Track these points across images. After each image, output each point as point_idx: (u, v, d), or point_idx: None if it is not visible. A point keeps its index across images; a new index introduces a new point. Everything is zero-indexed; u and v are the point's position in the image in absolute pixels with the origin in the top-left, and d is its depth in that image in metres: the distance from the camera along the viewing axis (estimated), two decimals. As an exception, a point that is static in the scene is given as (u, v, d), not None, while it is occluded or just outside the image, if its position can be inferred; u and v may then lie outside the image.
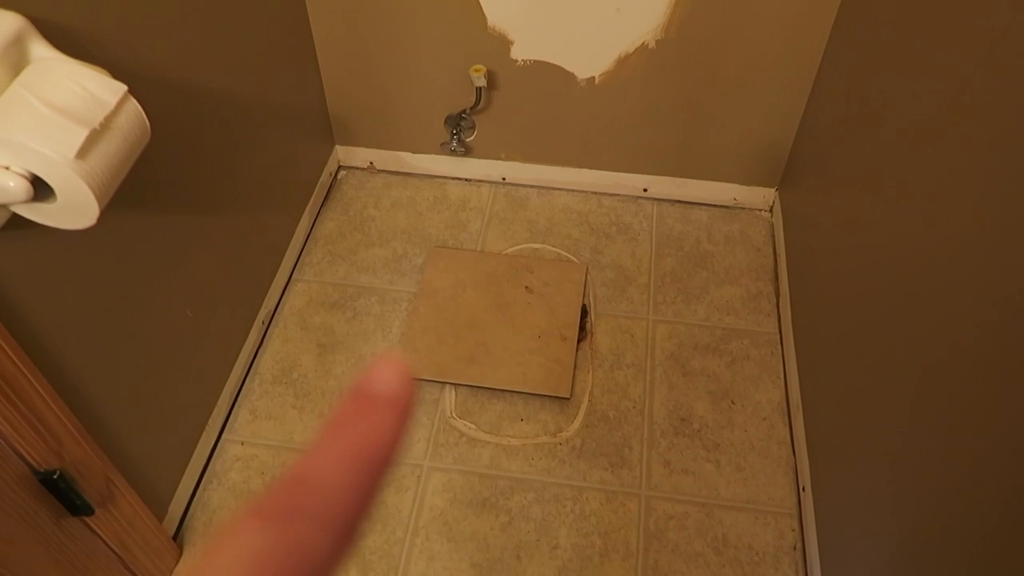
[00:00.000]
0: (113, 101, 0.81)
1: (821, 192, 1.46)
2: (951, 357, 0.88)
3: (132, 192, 1.04)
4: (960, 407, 0.84)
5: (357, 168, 1.89)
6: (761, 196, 1.78)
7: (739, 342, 1.56)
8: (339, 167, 1.88)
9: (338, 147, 1.85)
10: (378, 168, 1.88)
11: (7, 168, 0.75)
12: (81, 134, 0.76)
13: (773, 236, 1.74)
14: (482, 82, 1.59)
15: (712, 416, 1.46)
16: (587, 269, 1.68)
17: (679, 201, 1.82)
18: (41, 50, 0.82)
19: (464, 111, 1.70)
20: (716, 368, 1.52)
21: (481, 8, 1.51)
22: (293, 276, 1.67)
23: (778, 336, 1.57)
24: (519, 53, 1.58)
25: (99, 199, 0.79)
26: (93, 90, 0.80)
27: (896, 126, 1.11)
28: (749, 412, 1.46)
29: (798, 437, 1.39)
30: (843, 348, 1.24)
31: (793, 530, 1.31)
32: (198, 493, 1.35)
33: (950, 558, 0.84)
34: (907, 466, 0.96)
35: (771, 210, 1.79)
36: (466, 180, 1.86)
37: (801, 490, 1.34)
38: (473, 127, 1.75)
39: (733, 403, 1.47)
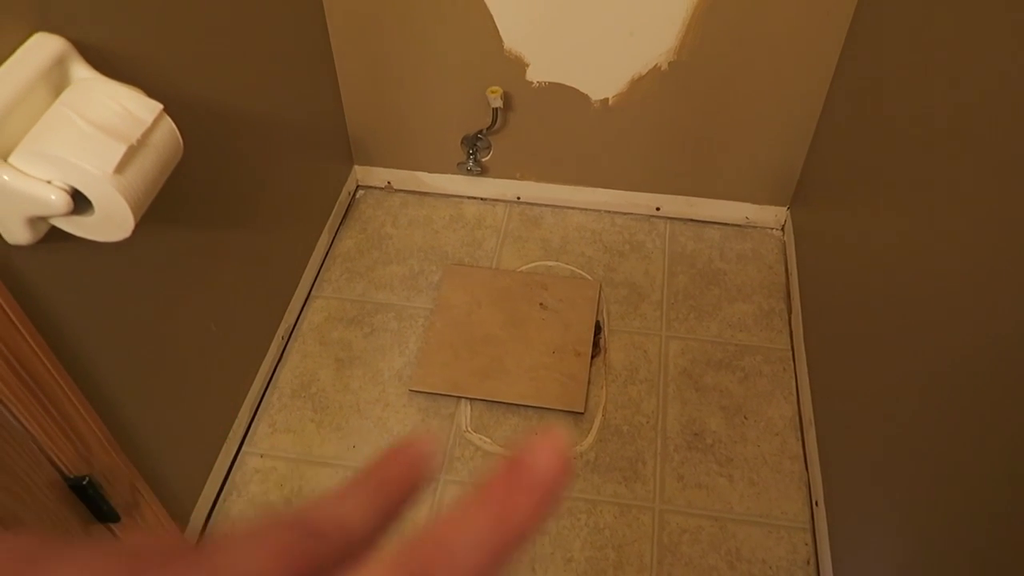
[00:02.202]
0: (149, 119, 0.84)
1: (832, 211, 1.48)
2: (963, 371, 0.89)
3: (162, 209, 1.08)
4: (972, 421, 0.86)
5: (375, 187, 1.92)
6: (773, 215, 1.80)
7: (751, 358, 1.58)
8: (357, 186, 1.92)
9: (357, 167, 1.89)
10: (395, 187, 1.92)
11: (49, 182, 0.78)
12: (120, 150, 0.80)
13: (785, 254, 1.76)
14: (498, 103, 1.63)
15: (725, 431, 1.47)
16: (600, 286, 1.70)
17: (691, 220, 1.84)
18: (82, 71, 0.86)
19: (480, 132, 1.73)
20: (729, 384, 1.54)
21: (498, 31, 1.55)
22: (312, 292, 1.70)
23: (790, 352, 1.58)
24: (534, 75, 1.62)
25: (135, 212, 0.83)
26: (131, 108, 0.83)
27: (907, 145, 1.13)
28: (762, 427, 1.47)
29: (811, 452, 1.40)
30: (855, 364, 1.26)
31: (807, 544, 1.32)
32: (219, 504, 1.38)
33: (963, 572, 0.85)
34: (920, 480, 0.97)
35: (783, 229, 1.81)
36: (481, 199, 1.89)
37: (814, 505, 1.35)
38: (489, 147, 1.78)
39: (746, 418, 1.49)
